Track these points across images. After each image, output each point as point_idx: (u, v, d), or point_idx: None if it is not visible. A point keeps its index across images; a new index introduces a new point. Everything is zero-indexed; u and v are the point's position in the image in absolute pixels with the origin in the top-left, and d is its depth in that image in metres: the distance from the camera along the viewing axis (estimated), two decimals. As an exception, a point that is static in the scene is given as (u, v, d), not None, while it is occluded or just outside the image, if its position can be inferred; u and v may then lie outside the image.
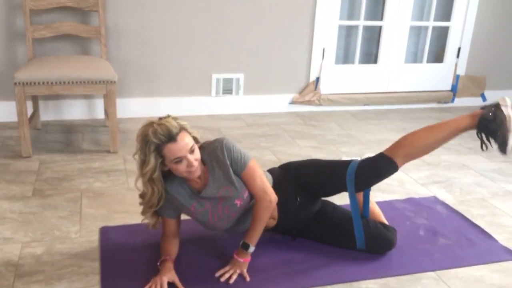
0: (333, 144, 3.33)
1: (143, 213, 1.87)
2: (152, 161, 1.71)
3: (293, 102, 3.95)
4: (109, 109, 2.88)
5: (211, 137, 3.32)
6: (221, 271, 1.86)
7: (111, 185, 2.55)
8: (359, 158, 2.25)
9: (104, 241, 2.04)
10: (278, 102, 3.93)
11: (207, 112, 3.76)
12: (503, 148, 1.90)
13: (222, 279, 1.82)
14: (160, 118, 1.76)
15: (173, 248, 1.90)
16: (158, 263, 1.83)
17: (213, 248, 2.03)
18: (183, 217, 1.97)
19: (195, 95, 3.71)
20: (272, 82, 3.86)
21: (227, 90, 3.77)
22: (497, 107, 1.91)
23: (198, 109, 3.72)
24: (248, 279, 1.84)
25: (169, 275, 1.77)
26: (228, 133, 3.38)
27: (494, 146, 1.95)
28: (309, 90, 3.95)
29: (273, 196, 1.88)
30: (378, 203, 2.40)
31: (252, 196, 1.89)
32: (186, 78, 3.65)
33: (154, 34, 3.49)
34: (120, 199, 2.40)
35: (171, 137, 1.70)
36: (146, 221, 1.91)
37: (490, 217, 2.43)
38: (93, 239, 2.06)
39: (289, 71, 3.88)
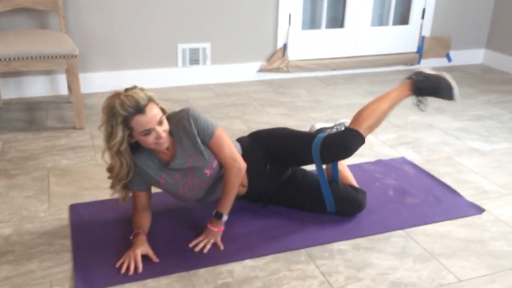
0: (303, 111, 3.33)
1: (112, 187, 1.85)
2: (119, 133, 1.68)
3: (261, 70, 3.92)
4: (72, 84, 2.80)
5: (179, 108, 3.31)
6: (195, 242, 1.86)
7: (79, 161, 2.50)
8: (332, 124, 2.27)
9: (74, 218, 2.02)
10: (247, 71, 3.89)
11: (174, 84, 3.69)
12: (450, 94, 2.04)
13: (196, 249, 1.83)
14: (127, 89, 1.72)
15: (145, 221, 1.89)
16: (131, 237, 1.82)
17: (185, 220, 2.03)
18: (154, 190, 1.96)
19: (161, 67, 3.64)
20: (239, 51, 3.81)
21: (194, 60, 3.71)
22: (420, 72, 2.10)
23: (165, 80, 3.65)
24: (222, 247, 1.85)
25: (143, 247, 1.77)
26: (197, 104, 3.34)
27: (440, 100, 2.10)
28: (277, 57, 3.92)
29: (242, 164, 1.88)
30: (348, 166, 2.43)
31: (221, 165, 1.88)
32: (151, 49, 3.57)
33: (115, 4, 3.37)
34: (88, 175, 2.37)
35: (139, 109, 1.66)
36: (116, 195, 1.89)
37: (456, 174, 2.50)
38: (63, 217, 2.03)
39: (256, 38, 3.83)
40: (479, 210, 2.17)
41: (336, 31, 4.11)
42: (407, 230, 2.02)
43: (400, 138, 2.93)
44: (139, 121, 1.67)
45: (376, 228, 2.02)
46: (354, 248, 1.90)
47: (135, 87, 1.73)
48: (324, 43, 4.07)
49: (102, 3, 3.34)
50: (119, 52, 3.50)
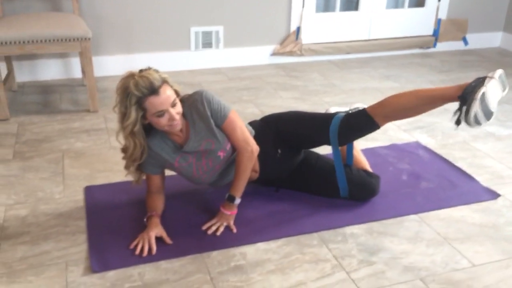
0: (316, 95, 3.30)
1: (126, 167, 1.85)
2: (133, 114, 1.68)
3: (274, 54, 3.89)
4: (85, 68, 2.81)
5: (192, 92, 3.31)
6: (208, 224, 1.87)
7: (93, 144, 2.51)
8: (347, 109, 2.24)
9: (89, 200, 2.03)
10: (259, 54, 3.86)
11: (187, 67, 3.68)
12: (465, 117, 1.75)
13: (209, 232, 1.84)
14: (141, 70, 1.71)
15: (159, 203, 1.90)
16: (145, 219, 1.83)
17: (198, 203, 2.04)
18: (167, 173, 1.97)
19: (174, 50, 3.62)
20: (252, 34, 3.78)
21: (207, 44, 3.69)
22: (483, 79, 1.78)
23: (178, 64, 3.64)
24: (235, 230, 1.86)
25: (157, 230, 1.78)
26: (210, 88, 3.33)
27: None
28: (290, 40, 3.88)
29: (254, 147, 1.87)
30: (362, 151, 2.41)
31: (234, 148, 1.88)
32: (164, 32, 3.56)
33: (127, -13, 3.37)
34: (102, 158, 2.38)
35: (153, 90, 1.66)
36: (130, 177, 1.90)
37: (471, 159, 2.47)
38: (78, 199, 2.05)
39: (269, 21, 3.79)
40: (495, 195, 2.14)
41: (351, 13, 4.05)
42: (421, 214, 2.00)
43: (415, 122, 2.90)
44: (153, 102, 1.66)
45: (389, 212, 2.01)
46: (367, 232, 1.89)
47: (149, 68, 1.73)
48: (338, 26, 4.02)
49: (115, -14, 3.33)
50: (132, 36, 3.49)
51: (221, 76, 3.60)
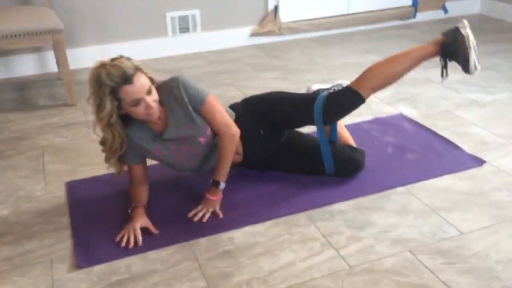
0: (298, 74, 3.27)
1: (106, 160, 1.82)
2: (108, 104, 1.64)
3: (253, 35, 3.83)
4: (60, 61, 2.74)
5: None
6: (194, 211, 1.84)
7: (73, 138, 2.46)
8: (328, 86, 2.21)
9: (71, 195, 2.00)
10: (239, 36, 3.80)
11: (165, 54, 3.62)
12: (466, 67, 1.86)
13: (196, 219, 1.82)
14: (113, 59, 1.67)
15: (142, 194, 1.87)
16: (129, 211, 1.80)
17: (183, 190, 2.01)
18: (149, 162, 1.93)
19: (150, 37, 3.55)
20: (230, 16, 3.72)
21: (184, 29, 3.62)
22: (456, 30, 1.87)
23: (156, 51, 3.57)
24: (221, 216, 1.84)
25: (142, 220, 1.75)
26: (189, 73, 3.28)
27: (459, 67, 1.91)
28: (269, 19, 3.83)
29: (235, 130, 1.84)
30: (346, 126, 2.39)
31: (215, 133, 1.85)
32: (138, 19, 3.48)
33: (98, -24, 3.28)
34: (83, 152, 2.34)
35: (127, 79, 1.62)
36: (112, 169, 1.87)
37: (455, 127, 2.46)
38: (60, 195, 2.01)
39: (246, 1, 3.72)
40: (480, 162, 2.14)
41: (328, -12, 3.99)
42: (407, 186, 2.00)
43: (398, 94, 2.88)
44: (127, 91, 1.62)
45: (376, 186, 2.00)
46: (355, 208, 1.88)
47: (121, 57, 1.68)
48: (317, 3, 3.96)
49: (84, -25, 3.24)
50: (107, 25, 3.41)
51: (201, 61, 3.54)
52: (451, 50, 1.87)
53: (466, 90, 2.89)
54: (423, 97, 2.82)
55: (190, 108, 1.77)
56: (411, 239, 1.70)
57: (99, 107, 1.66)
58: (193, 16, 3.61)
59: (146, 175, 1.92)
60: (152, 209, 1.86)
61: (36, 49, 3.29)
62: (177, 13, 3.56)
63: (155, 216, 1.82)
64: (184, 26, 3.61)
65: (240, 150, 1.97)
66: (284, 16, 3.87)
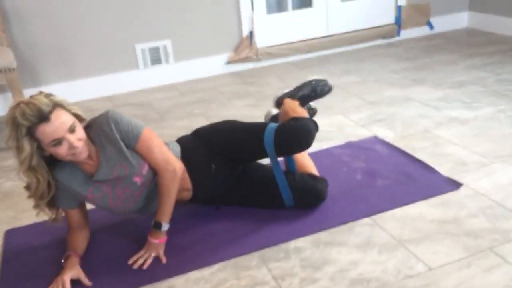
0: (271, 99, 3.11)
1: (35, 206, 1.67)
2: (26, 146, 1.50)
3: (229, 62, 3.71)
4: (16, 100, 2.62)
5: (141, 113, 3.13)
6: (135, 257, 1.67)
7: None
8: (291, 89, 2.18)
9: (8, 244, 1.85)
10: (214, 64, 3.68)
11: (138, 87, 3.50)
12: (325, 86, 2.12)
13: (135, 266, 1.65)
14: (30, 97, 1.54)
15: (80, 241, 1.71)
16: (62, 260, 1.64)
17: (129, 234, 1.85)
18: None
19: (121, 71, 3.44)
20: (204, 44, 3.61)
21: (156, 60, 3.51)
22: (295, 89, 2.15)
23: (127, 85, 3.45)
24: (164, 261, 1.66)
25: (73, 271, 1.59)
26: (159, 105, 3.15)
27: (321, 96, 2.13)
28: (245, 46, 3.71)
29: (177, 165, 1.69)
30: (314, 153, 2.24)
31: (154, 170, 1.69)
32: (107, 52, 3.38)
33: (61, 10, 3.18)
34: (32, 195, 2.19)
35: (43, 117, 1.48)
36: (45, 216, 1.71)
37: (433, 148, 2.28)
38: (-2, 245, 1.86)
39: (219, 28, 3.62)
40: (456, 185, 1.95)
41: (305, 11, 3.87)
42: (374, 216, 1.81)
43: (374, 115, 2.71)
44: (44, 131, 1.48)
45: (339, 218, 1.81)
46: (313, 244, 1.69)
47: (40, 93, 1.55)
48: (293, 26, 3.85)
49: (46, 10, 3.15)
50: (73, 60, 3.31)
51: (173, 92, 3.42)
52: (306, 92, 2.12)
53: (447, 107, 2.71)
54: (400, 117, 2.65)
55: (123, 146, 1.63)
56: (372, 278, 1.51)
57: (18, 150, 1.52)
58: (164, 47, 3.50)
59: (86, 220, 1.77)
60: (90, 256, 1.70)
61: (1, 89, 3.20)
62: (147, 45, 3.46)
63: (93, 264, 1.66)
64: (155, 58, 3.51)
65: (189, 185, 1.81)
66: (261, 41, 3.75)
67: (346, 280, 1.51)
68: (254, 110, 2.96)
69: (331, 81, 2.17)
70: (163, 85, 3.56)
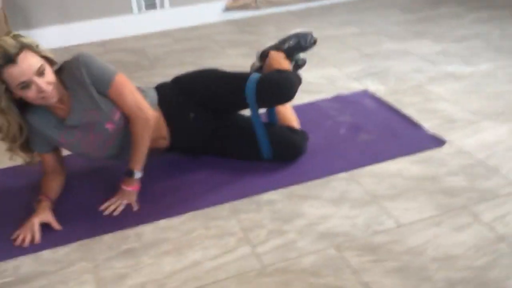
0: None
1: (9, 149, 1.65)
2: None
3: (227, 9, 3.60)
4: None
5: (133, 60, 3.07)
6: (106, 204, 1.67)
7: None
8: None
9: (-15, 187, 1.86)
10: (211, 11, 3.58)
11: (132, 33, 3.43)
12: (310, 38, 2.03)
13: (107, 212, 1.65)
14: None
15: (53, 185, 1.71)
16: (34, 204, 1.65)
17: (104, 181, 1.84)
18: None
19: (115, 15, 3.36)
20: (201, -11, 3.50)
21: (150, 5, 3.42)
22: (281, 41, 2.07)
23: (121, 30, 3.38)
24: (135, 208, 1.66)
25: (42, 215, 1.59)
26: (151, 52, 3.09)
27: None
28: (243, -8, 3.59)
29: (150, 113, 1.65)
30: (301, 105, 2.19)
31: (127, 117, 1.66)
32: (101, -4, 3.30)
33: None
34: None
35: (9, 59, 1.44)
36: (19, 159, 1.71)
37: (422, 104, 2.21)
38: (-24, 187, 1.87)
39: (217, -26, 3.49)
40: (440, 142, 1.90)
41: (308, -43, 3.71)
42: (352, 171, 1.78)
43: (368, 68, 2.63)
44: (11, 73, 1.45)
45: (315, 172, 1.78)
46: (287, 197, 1.68)
47: (8, 33, 1.51)
48: (295, -28, 3.70)
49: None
50: (67, 1, 3.23)
51: (168, 39, 3.34)
52: (295, 46, 2.03)
53: (444, 62, 2.61)
54: (394, 71, 2.57)
55: (94, 91, 1.59)
56: (340, 232, 1.49)
57: (-15, 92, 1.49)
58: (160, -9, 3.40)
59: (61, 165, 1.76)
60: (63, 201, 1.70)
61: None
62: (141, -12, 3.36)
63: (64, 210, 1.66)
64: (150, 2, 3.41)
65: (165, 133, 1.79)
66: (260, -12, 3.62)
67: (313, 234, 1.50)
68: (248, 60, 2.87)
69: (315, 34, 2.08)
70: (157, 31, 3.48)
